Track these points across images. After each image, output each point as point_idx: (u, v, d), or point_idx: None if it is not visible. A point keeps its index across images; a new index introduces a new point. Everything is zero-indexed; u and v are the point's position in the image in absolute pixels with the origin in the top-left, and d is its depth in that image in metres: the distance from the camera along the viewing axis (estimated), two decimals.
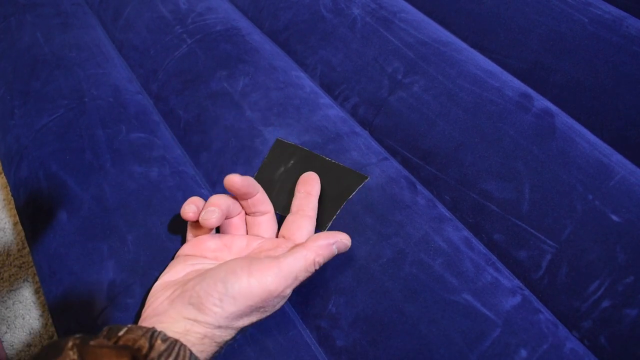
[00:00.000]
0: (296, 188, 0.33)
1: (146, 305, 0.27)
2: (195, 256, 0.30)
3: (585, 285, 0.29)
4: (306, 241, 0.28)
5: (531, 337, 0.27)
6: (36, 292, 0.70)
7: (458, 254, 0.30)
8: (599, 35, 0.37)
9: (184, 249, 0.31)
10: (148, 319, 0.26)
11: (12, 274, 0.72)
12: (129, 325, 0.23)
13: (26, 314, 0.68)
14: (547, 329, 0.28)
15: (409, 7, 0.45)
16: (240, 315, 0.25)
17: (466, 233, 0.32)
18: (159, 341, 0.22)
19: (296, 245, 0.28)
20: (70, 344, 0.21)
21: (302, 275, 0.26)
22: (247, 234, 0.32)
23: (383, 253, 0.30)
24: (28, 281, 0.71)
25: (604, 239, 0.29)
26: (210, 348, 0.25)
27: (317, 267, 0.27)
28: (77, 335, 0.22)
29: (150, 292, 0.29)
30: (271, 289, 0.25)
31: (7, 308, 0.69)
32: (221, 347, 0.26)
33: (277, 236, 0.32)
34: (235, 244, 0.31)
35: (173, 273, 0.29)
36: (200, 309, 0.24)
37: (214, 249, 0.30)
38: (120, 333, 0.23)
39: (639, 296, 0.27)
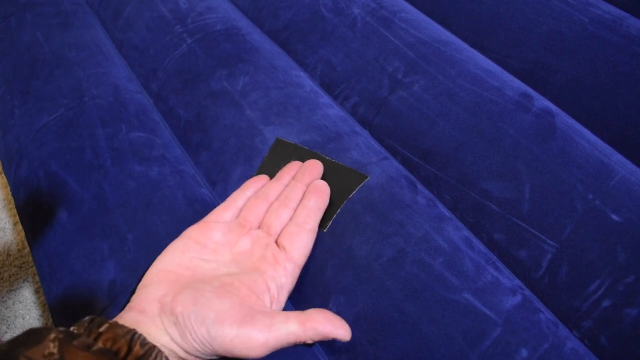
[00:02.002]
0: (306, 194, 0.32)
1: (135, 294, 0.27)
2: (197, 242, 0.29)
3: (585, 285, 0.29)
4: (306, 316, 0.25)
5: (532, 336, 0.27)
6: (36, 292, 0.70)
7: (458, 253, 0.30)
8: (599, 35, 0.37)
9: (190, 230, 0.30)
10: (135, 315, 0.25)
11: (12, 274, 0.72)
12: (111, 322, 0.23)
13: (26, 314, 0.68)
14: (548, 329, 0.28)
15: (409, 6, 0.45)
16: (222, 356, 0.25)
17: (466, 232, 0.32)
18: (137, 346, 0.22)
19: (293, 315, 0.26)
20: (52, 335, 0.20)
21: (287, 346, 0.25)
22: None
23: (383, 252, 0.30)
24: (28, 281, 0.71)
25: (604, 239, 0.29)
26: None
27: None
28: (62, 329, 0.21)
29: (144, 275, 0.28)
30: (252, 355, 0.24)
31: (7, 308, 0.69)
32: None
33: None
34: (239, 244, 0.30)
35: (168, 262, 0.28)
36: (183, 336, 0.24)
37: (217, 242, 0.30)
38: (102, 329, 0.22)
39: (639, 296, 0.27)
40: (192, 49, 0.45)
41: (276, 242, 0.30)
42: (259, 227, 0.31)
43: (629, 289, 0.28)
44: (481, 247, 0.32)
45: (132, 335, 0.22)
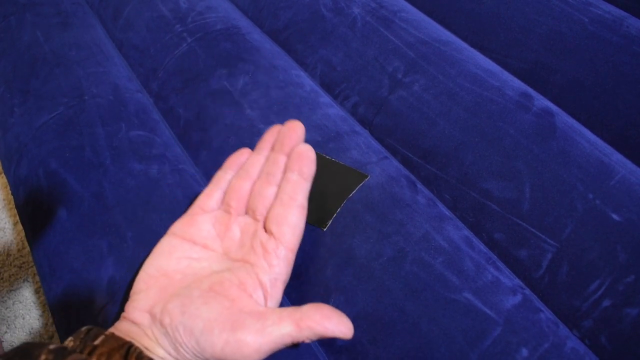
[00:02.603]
0: (289, 165, 0.28)
1: (129, 301, 0.26)
2: (184, 240, 0.28)
3: (585, 285, 0.29)
4: (301, 315, 0.23)
5: (532, 336, 0.27)
6: (36, 292, 0.70)
7: (458, 252, 0.30)
8: (599, 35, 0.37)
9: (176, 227, 0.28)
10: (128, 325, 0.24)
11: (12, 274, 0.72)
12: (106, 333, 0.23)
13: (26, 314, 0.68)
14: (548, 328, 0.28)
15: (409, 6, 0.45)
16: None
17: (466, 232, 0.32)
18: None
19: (288, 314, 0.23)
20: (43, 357, 0.20)
21: (284, 347, 0.23)
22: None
23: (383, 252, 0.30)
24: (28, 281, 0.71)
25: (604, 238, 0.29)
26: None
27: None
28: (53, 347, 0.21)
29: (134, 282, 0.27)
30: None
31: (7, 308, 0.69)
32: None
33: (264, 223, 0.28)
34: (229, 235, 0.28)
35: (157, 266, 0.27)
36: (175, 348, 0.23)
37: (206, 236, 0.28)
38: (97, 342, 0.22)
39: (639, 295, 0.27)
40: (192, 49, 0.45)
41: (265, 227, 0.27)
42: (246, 212, 0.29)
43: (629, 289, 0.28)
44: (481, 246, 0.32)
45: (128, 349, 0.22)
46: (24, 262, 0.73)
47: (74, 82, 0.45)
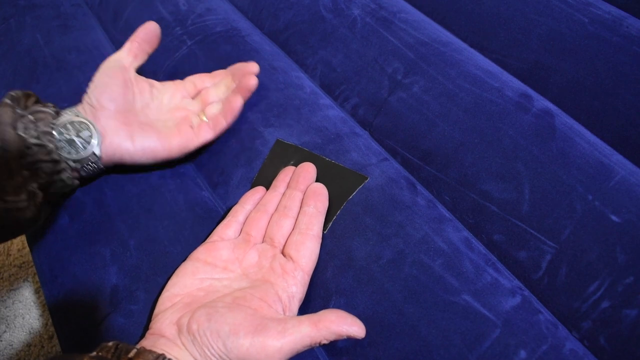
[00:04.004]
0: (305, 200, 0.32)
1: (153, 320, 0.27)
2: (206, 263, 0.30)
3: (585, 286, 0.29)
4: (318, 317, 0.25)
5: (531, 337, 0.27)
6: (36, 291, 0.71)
7: (458, 254, 0.30)
8: (599, 35, 0.37)
9: (198, 252, 0.31)
10: (155, 338, 0.26)
11: (12, 274, 0.72)
12: (138, 347, 0.24)
13: (26, 314, 0.68)
14: (547, 330, 0.28)
15: (408, 7, 0.45)
16: None
17: (466, 233, 0.32)
18: None
19: (306, 317, 0.26)
20: None
21: (304, 349, 0.25)
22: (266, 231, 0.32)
23: (383, 254, 0.31)
24: (28, 281, 0.72)
25: (603, 240, 0.29)
26: None
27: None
28: (92, 355, 0.22)
29: (157, 302, 0.29)
30: None
31: (6, 307, 0.69)
32: None
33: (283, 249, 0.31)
34: (247, 258, 0.30)
35: (181, 286, 0.29)
36: (202, 353, 0.25)
37: (226, 259, 0.30)
38: (130, 355, 0.23)
39: (638, 297, 0.27)
40: (192, 51, 0.45)
41: (283, 253, 0.31)
42: (263, 241, 0.32)
43: (628, 290, 0.28)
44: (481, 248, 0.32)
45: None
46: (24, 262, 0.74)
47: (75, 87, 0.45)
